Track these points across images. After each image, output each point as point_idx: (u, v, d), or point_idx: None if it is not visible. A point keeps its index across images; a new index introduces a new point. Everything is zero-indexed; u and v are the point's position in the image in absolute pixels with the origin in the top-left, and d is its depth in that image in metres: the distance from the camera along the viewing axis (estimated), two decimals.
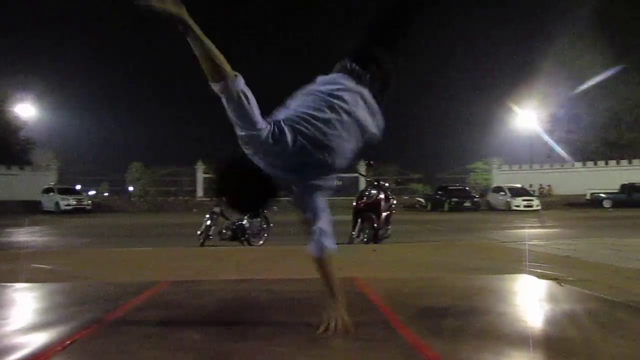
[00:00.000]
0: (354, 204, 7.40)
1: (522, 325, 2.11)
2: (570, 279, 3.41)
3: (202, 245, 7.70)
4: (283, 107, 2.03)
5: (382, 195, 7.19)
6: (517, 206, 25.64)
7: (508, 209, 25.69)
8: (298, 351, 1.72)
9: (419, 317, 2.21)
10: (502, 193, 27.85)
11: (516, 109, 37.91)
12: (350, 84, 2.08)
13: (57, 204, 26.65)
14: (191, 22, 1.65)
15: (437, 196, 28.06)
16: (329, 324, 1.94)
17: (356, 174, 31.36)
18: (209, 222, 8.05)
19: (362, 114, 2.05)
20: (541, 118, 38.20)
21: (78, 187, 32.48)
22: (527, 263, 4.09)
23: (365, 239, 6.96)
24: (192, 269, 4.21)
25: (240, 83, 1.74)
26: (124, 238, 10.55)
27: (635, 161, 33.30)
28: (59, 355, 1.70)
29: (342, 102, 1.99)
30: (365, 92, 2.09)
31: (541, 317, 2.29)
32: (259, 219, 8.40)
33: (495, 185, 30.88)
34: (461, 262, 4.42)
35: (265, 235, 8.49)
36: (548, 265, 4.14)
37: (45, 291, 3.01)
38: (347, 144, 2.01)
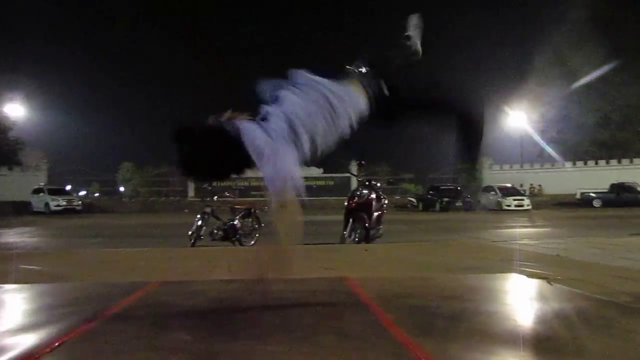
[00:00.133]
0: (346, 203, 7.41)
1: (511, 323, 2.12)
2: (560, 277, 3.43)
3: (193, 245, 7.68)
4: None
5: (373, 195, 7.20)
6: (508, 206, 25.83)
7: (499, 209, 25.88)
8: (289, 350, 1.71)
9: (410, 316, 2.21)
10: (493, 193, 28.04)
11: (507, 109, 38.16)
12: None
13: (47, 204, 26.48)
14: None
15: (429, 196, 28.21)
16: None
17: (348, 174, 31.41)
18: (200, 223, 8.03)
19: None
20: (532, 118, 38.47)
21: (68, 187, 32.31)
22: (517, 262, 4.11)
23: (356, 239, 6.97)
24: (183, 269, 4.19)
25: None
26: (115, 239, 10.48)
27: (624, 161, 33.64)
28: (47, 356, 1.68)
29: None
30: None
31: (531, 316, 2.31)
32: (250, 219, 8.40)
33: (486, 185, 31.05)
34: (452, 262, 4.44)
35: (257, 235, 8.49)
36: (538, 265, 4.17)
37: (34, 292, 2.98)
38: None
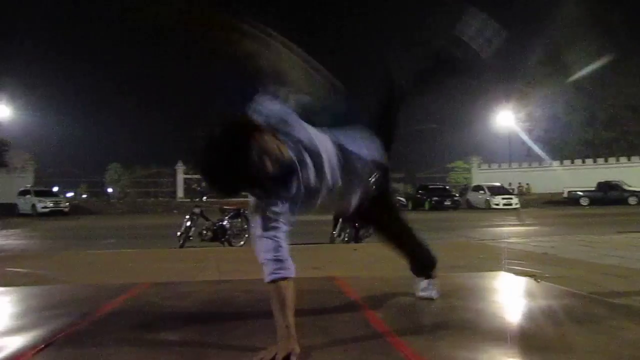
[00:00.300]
0: None
1: (499, 321, 2.14)
2: (547, 275, 3.47)
3: (182, 246, 7.63)
4: None
5: None
6: (497, 204, 25.98)
7: (487, 208, 26.03)
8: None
9: (398, 315, 2.23)
10: (482, 192, 28.20)
11: (495, 108, 38.45)
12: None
13: (33, 206, 26.13)
14: None
15: (418, 195, 28.28)
16: (276, 354, 1.57)
17: None
18: (189, 223, 7.98)
19: None
20: (520, 117, 38.75)
21: (55, 188, 31.95)
22: (506, 260, 4.15)
23: (346, 239, 6.98)
24: (172, 270, 4.18)
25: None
26: (103, 240, 10.40)
27: (611, 159, 34.01)
28: (34, 358, 1.66)
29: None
30: None
31: (518, 313, 2.33)
32: (239, 220, 8.37)
33: (475, 184, 31.23)
34: (440, 261, 4.44)
35: (246, 235, 8.45)
36: (525, 263, 4.21)
37: (21, 295, 2.95)
38: None
